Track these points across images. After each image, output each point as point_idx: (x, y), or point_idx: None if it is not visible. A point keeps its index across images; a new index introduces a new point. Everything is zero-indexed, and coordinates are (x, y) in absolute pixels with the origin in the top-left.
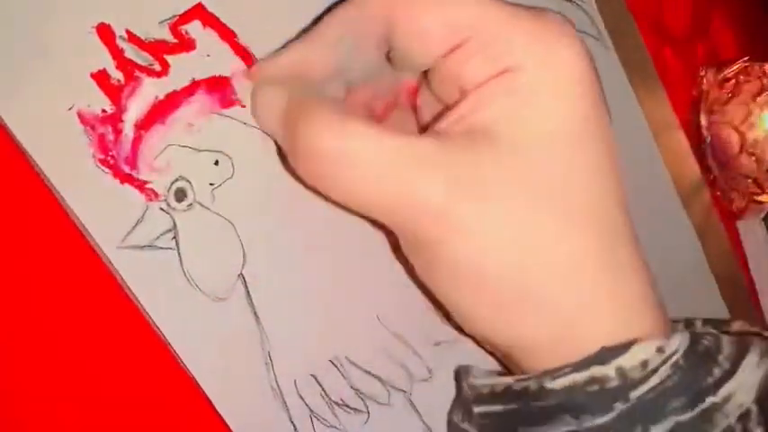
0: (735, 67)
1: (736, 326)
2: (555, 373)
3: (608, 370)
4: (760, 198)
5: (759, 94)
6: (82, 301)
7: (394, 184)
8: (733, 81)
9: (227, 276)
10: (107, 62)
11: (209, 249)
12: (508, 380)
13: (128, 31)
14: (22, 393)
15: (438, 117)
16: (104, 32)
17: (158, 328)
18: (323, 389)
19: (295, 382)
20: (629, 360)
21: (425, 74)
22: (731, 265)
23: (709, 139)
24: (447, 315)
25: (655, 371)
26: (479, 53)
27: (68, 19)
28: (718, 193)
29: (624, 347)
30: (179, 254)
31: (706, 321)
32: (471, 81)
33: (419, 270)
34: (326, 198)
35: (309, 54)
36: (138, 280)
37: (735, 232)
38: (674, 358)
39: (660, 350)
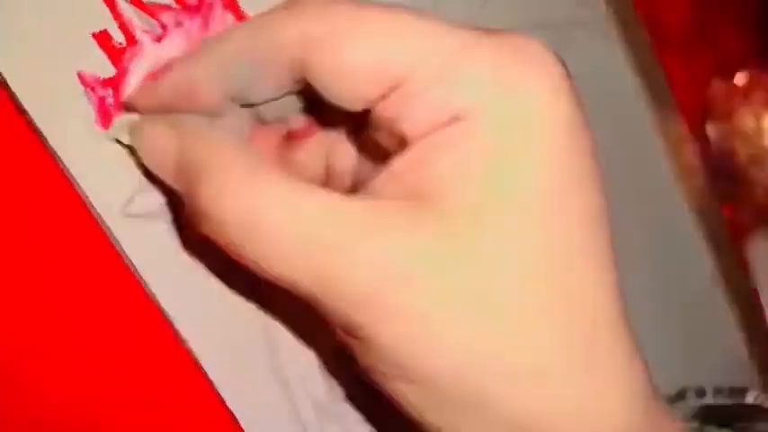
0: (743, 77)
1: (751, 397)
2: None
3: None
4: None
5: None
6: (81, 268)
7: (314, 264)
8: (742, 90)
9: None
10: (109, 23)
11: None
12: None
13: None
14: (20, 359)
15: (372, 168)
16: None
17: (158, 301)
18: (327, 379)
19: (300, 369)
20: None
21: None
22: (743, 278)
23: (717, 150)
24: None
25: None
26: (420, 97)
27: None
28: (727, 205)
29: None
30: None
31: (717, 391)
32: (411, 132)
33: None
34: None
35: (193, 75)
36: (138, 249)
37: (740, 243)
38: None
39: None
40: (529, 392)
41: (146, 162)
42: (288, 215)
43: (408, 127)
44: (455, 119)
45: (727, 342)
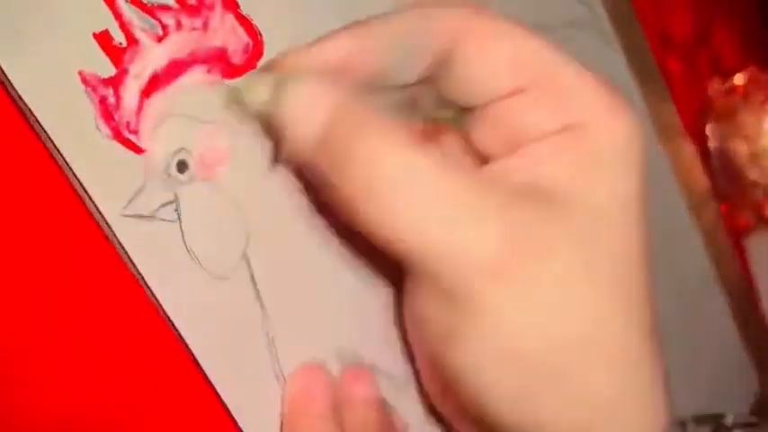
0: (742, 77)
1: (730, 419)
2: None
3: None
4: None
5: (766, 103)
6: (81, 268)
7: (447, 223)
8: (740, 91)
9: (229, 254)
10: (109, 23)
11: (212, 225)
12: None
13: None
14: (20, 359)
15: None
16: None
17: (158, 301)
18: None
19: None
20: None
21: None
22: (739, 277)
23: (716, 150)
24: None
25: None
26: (547, 103)
27: None
28: (726, 205)
29: None
30: (181, 227)
31: (699, 419)
32: (533, 131)
33: (434, 326)
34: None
35: (359, 51)
36: (139, 250)
37: (740, 244)
38: None
39: None
40: (604, 373)
41: (286, 116)
42: (440, 177)
43: (532, 127)
44: (571, 127)
45: (723, 341)
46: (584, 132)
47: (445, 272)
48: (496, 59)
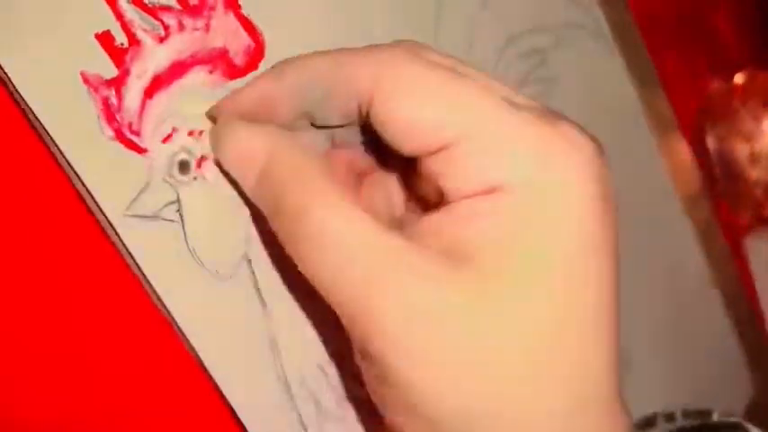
0: (741, 77)
1: (716, 416)
2: None
3: None
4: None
5: (766, 103)
6: (83, 269)
7: (358, 288)
8: (740, 91)
9: (231, 255)
10: (111, 23)
11: (214, 225)
12: None
13: None
14: (21, 360)
15: (413, 211)
16: None
17: (160, 300)
18: (329, 380)
19: (301, 370)
20: None
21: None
22: (734, 279)
23: (715, 150)
24: None
25: None
26: (465, 163)
27: None
28: (725, 204)
29: None
30: (183, 227)
31: (686, 414)
32: (453, 192)
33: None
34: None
35: (273, 91)
36: (142, 250)
37: (739, 244)
38: None
39: None
40: None
41: (223, 156)
42: (359, 242)
43: (450, 187)
44: (495, 189)
45: (718, 341)
46: (507, 195)
47: (357, 336)
48: (416, 116)
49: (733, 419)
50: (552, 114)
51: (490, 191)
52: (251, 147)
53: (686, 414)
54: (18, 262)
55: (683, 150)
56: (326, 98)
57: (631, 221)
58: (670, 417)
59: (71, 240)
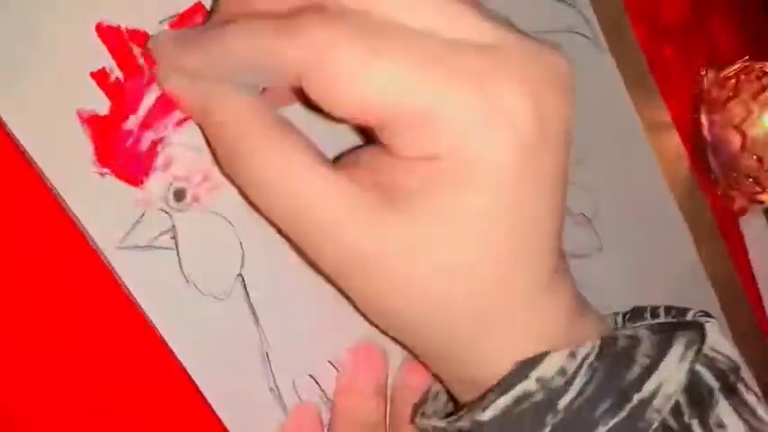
0: (735, 67)
1: (691, 314)
2: (483, 402)
3: (530, 384)
4: (761, 197)
5: (760, 93)
6: (80, 301)
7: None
8: (733, 81)
9: (225, 277)
10: (107, 61)
11: (208, 250)
12: (441, 423)
13: (128, 30)
14: (21, 392)
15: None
16: (104, 31)
17: (157, 329)
18: (322, 389)
19: (293, 382)
20: (546, 369)
21: None
22: (727, 267)
23: (710, 139)
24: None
25: (574, 376)
26: (401, 137)
27: (68, 17)
28: (720, 193)
29: (539, 358)
30: (178, 254)
31: (668, 309)
32: (397, 153)
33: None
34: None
35: (205, 69)
36: (136, 280)
37: (733, 233)
38: (588, 360)
39: (572, 355)
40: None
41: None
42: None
43: (395, 150)
44: (431, 158)
45: None
46: (437, 162)
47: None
48: (344, 103)
49: (699, 319)
50: (491, 60)
51: (428, 159)
52: (192, 98)
53: (667, 310)
54: (19, 294)
55: (675, 142)
56: (260, 78)
57: (621, 209)
58: (654, 312)
59: (70, 271)
